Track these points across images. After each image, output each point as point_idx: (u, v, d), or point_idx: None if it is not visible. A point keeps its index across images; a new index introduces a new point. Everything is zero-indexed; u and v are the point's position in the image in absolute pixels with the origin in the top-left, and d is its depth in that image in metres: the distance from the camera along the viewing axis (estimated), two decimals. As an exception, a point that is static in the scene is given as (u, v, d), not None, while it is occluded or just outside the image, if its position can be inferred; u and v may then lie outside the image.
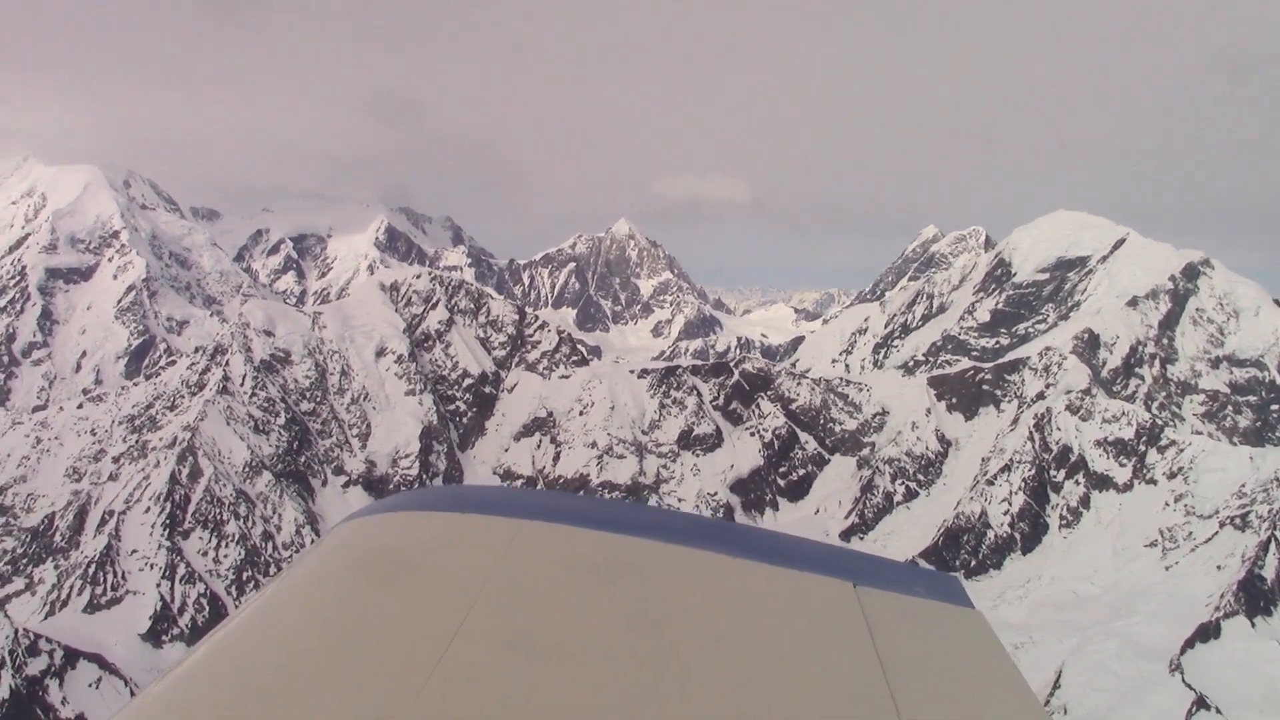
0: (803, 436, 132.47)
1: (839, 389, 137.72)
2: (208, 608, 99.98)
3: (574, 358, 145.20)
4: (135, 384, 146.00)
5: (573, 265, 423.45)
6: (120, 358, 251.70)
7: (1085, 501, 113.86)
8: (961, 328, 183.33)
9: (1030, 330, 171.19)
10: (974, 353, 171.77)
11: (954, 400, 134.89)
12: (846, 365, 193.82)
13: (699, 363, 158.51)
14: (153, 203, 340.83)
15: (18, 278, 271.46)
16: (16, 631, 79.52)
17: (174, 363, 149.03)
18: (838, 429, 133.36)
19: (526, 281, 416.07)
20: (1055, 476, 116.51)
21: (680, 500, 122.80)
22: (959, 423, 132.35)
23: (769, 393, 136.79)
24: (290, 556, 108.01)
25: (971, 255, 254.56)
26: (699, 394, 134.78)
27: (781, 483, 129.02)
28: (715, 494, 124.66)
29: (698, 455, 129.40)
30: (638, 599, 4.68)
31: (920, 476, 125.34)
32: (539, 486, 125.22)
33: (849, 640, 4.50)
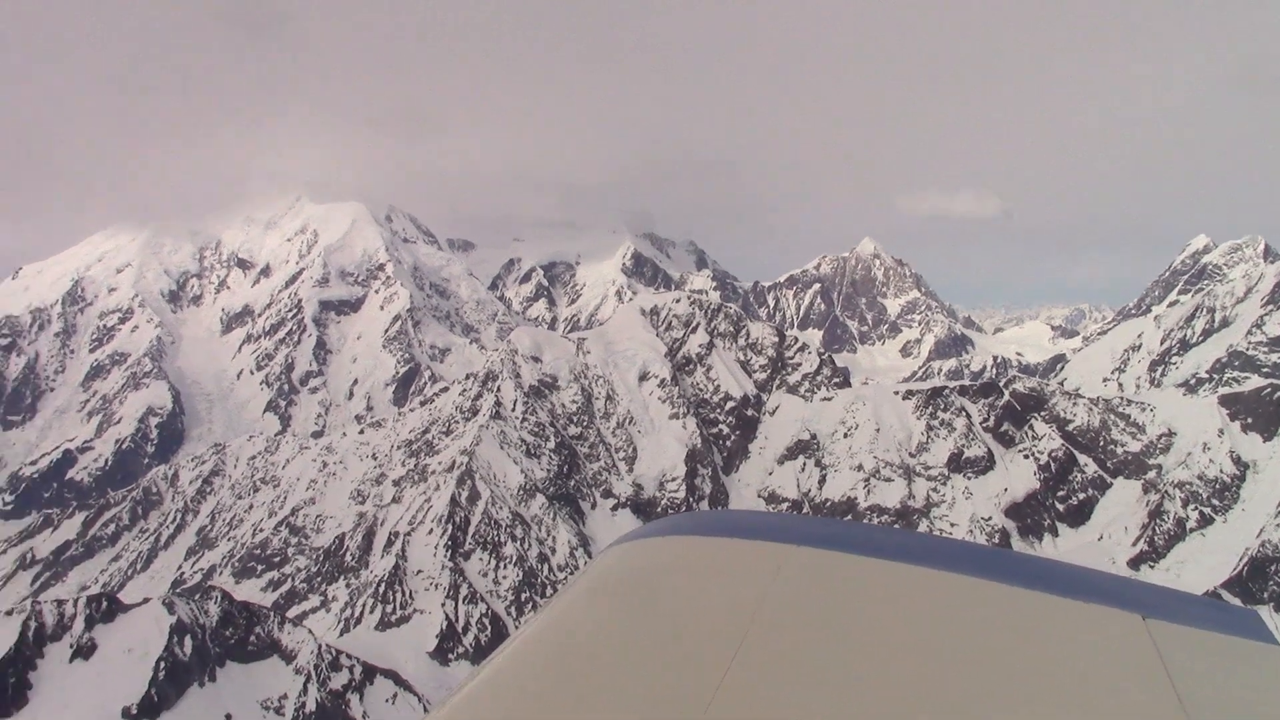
0: (1081, 459, 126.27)
1: (1119, 409, 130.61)
2: (490, 627, 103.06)
3: (835, 379, 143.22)
4: (411, 410, 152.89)
5: (817, 286, 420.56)
6: (388, 385, 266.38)
7: None
8: (1250, 342, 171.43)
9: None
10: (1265, 369, 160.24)
11: (1249, 420, 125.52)
12: (1120, 384, 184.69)
13: (965, 383, 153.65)
14: (413, 236, 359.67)
15: (294, 310, 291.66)
16: (320, 647, 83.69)
17: (445, 390, 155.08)
18: (1120, 451, 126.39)
19: (771, 304, 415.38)
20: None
21: (953, 525, 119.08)
22: (1256, 444, 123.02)
23: (1042, 413, 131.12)
24: (565, 578, 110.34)
25: (1250, 266, 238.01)
26: (968, 415, 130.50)
27: (1060, 507, 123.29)
28: (989, 518, 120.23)
29: (969, 478, 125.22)
30: (911, 627, 4.64)
31: (1215, 501, 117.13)
32: (805, 510, 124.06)
33: (1142, 677, 4.26)
